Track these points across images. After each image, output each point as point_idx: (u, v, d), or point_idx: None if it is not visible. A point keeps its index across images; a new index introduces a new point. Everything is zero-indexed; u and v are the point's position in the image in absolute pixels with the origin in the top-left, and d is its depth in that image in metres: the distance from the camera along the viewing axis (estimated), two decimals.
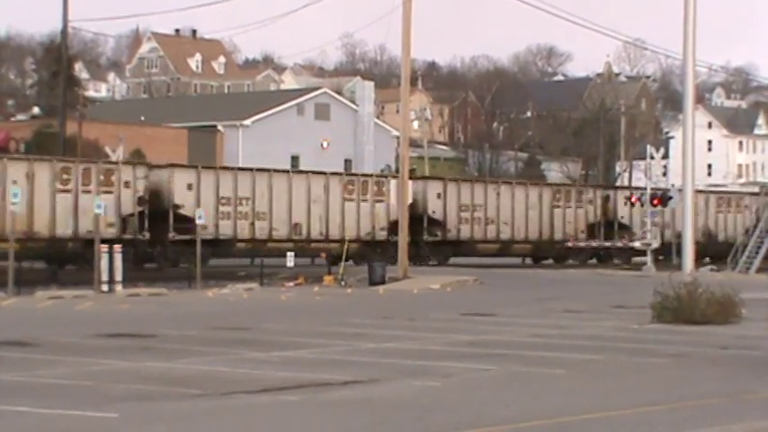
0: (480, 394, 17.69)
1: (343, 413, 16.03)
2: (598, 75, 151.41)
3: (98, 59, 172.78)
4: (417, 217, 55.04)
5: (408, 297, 39.69)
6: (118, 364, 20.45)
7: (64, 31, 67.58)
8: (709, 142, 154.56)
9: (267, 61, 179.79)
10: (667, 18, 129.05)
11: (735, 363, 21.46)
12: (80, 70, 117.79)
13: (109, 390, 17.50)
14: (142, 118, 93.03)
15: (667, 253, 61.01)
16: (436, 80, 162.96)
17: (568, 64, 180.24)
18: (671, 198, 59.23)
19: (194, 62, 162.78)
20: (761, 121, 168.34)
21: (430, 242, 57.01)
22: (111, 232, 45.46)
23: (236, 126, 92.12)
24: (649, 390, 18.15)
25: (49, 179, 45.93)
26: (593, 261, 63.94)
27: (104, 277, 38.84)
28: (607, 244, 64.39)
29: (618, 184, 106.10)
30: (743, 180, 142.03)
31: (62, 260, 46.93)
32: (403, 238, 46.52)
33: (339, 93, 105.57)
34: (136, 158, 65.86)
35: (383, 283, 43.58)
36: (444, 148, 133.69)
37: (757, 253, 57.18)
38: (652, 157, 68.76)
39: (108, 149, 69.72)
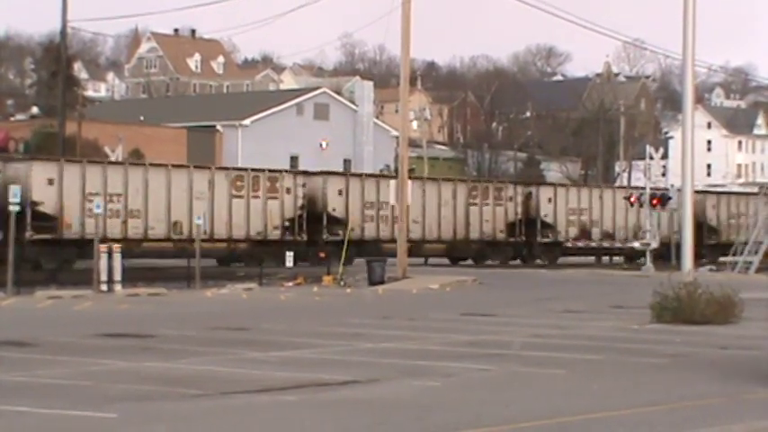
0: (480, 394, 17.68)
1: (342, 413, 16.01)
2: (597, 75, 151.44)
3: (97, 59, 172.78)
4: (317, 215, 52.79)
5: (408, 297, 39.69)
6: (117, 364, 20.44)
7: (63, 31, 67.55)
8: (709, 142, 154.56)
9: (266, 61, 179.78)
10: (666, 18, 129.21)
11: (734, 363, 21.45)
12: (79, 70, 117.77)
13: (108, 390, 17.49)
14: (141, 118, 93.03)
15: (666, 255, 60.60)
16: (435, 80, 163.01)
17: (568, 64, 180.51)
18: (670, 198, 59.19)
19: (193, 62, 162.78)
20: (760, 121, 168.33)
21: (330, 242, 51.94)
22: None
23: (235, 126, 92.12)
24: (649, 390, 18.14)
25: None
26: (527, 261, 62.31)
27: (103, 277, 38.83)
28: (618, 245, 64.06)
29: (617, 183, 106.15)
30: (742, 180, 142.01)
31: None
32: (402, 239, 46.54)
33: (338, 93, 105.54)
34: (135, 158, 65.86)
35: (382, 282, 43.59)
36: (444, 148, 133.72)
37: (756, 252, 57.16)
38: (651, 158, 68.82)
39: (107, 149, 69.75)
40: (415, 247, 55.32)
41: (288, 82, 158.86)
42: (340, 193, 54.48)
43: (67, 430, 14.73)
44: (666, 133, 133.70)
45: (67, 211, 45.45)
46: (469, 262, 60.79)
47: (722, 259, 61.65)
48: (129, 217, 47.17)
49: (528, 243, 62.45)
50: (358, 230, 53.95)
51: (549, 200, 63.23)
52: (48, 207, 45.08)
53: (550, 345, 24.05)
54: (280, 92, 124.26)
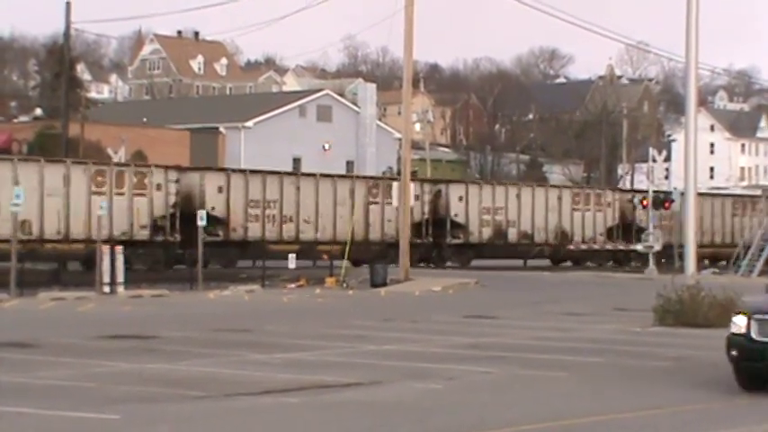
0: (482, 397, 17.69)
1: (344, 415, 16.03)
2: (600, 77, 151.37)
3: (100, 61, 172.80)
4: (193, 214, 46.30)
5: (410, 299, 39.68)
6: (120, 365, 20.45)
7: (66, 33, 67.65)
8: (712, 145, 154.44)
9: (269, 63, 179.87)
10: (670, 21, 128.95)
11: None
12: (82, 72, 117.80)
13: (111, 391, 17.50)
14: (144, 120, 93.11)
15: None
16: (438, 82, 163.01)
17: (571, 66, 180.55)
18: (673, 201, 59.20)
19: (196, 64, 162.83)
20: (763, 123, 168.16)
21: (209, 243, 46.86)
22: None
23: (237, 128, 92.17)
24: (652, 393, 18.14)
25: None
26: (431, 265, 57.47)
27: (106, 279, 38.83)
28: (621, 247, 62.88)
29: (621, 186, 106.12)
30: (745, 183, 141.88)
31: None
32: (404, 240, 46.54)
33: (341, 94, 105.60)
34: (137, 160, 65.89)
35: (385, 284, 43.56)
36: (446, 150, 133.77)
37: (760, 256, 57.13)
38: (654, 160, 68.80)
39: (110, 151, 69.80)
40: (308, 249, 51.70)
41: (290, 84, 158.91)
42: (220, 190, 50.15)
43: None
44: (669, 136, 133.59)
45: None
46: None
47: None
48: None
49: (437, 244, 57.95)
50: (241, 231, 50.29)
51: (461, 198, 58.93)
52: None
53: (552, 347, 24.06)
54: (282, 94, 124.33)
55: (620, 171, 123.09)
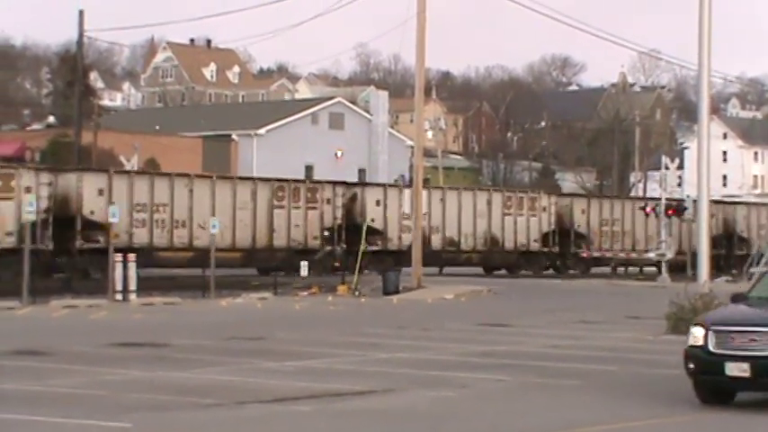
0: (495, 405, 17.65)
1: (357, 423, 16.00)
2: (613, 85, 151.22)
3: (113, 69, 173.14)
4: (69, 218, 44.32)
5: (422, 307, 39.64)
6: (132, 373, 20.45)
7: (79, 41, 67.77)
8: (725, 153, 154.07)
9: (281, 71, 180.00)
10: (682, 28, 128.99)
11: None
12: (95, 80, 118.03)
13: (123, 399, 17.49)
14: (157, 127, 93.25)
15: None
16: (450, 90, 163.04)
17: (583, 74, 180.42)
18: (686, 209, 59.04)
19: (209, 72, 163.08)
20: None
21: (86, 250, 44.31)
22: None
23: (250, 135, 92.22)
24: (664, 402, 18.08)
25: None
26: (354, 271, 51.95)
27: (118, 286, 38.87)
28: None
29: (633, 194, 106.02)
30: (758, 191, 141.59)
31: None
32: (417, 247, 46.54)
33: (353, 102, 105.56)
34: (151, 168, 65.91)
35: (397, 292, 43.55)
36: (458, 157, 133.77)
37: None
38: (667, 168, 68.48)
39: (123, 159, 69.91)
40: (202, 256, 45.42)
41: (303, 91, 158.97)
42: (101, 193, 45.95)
43: None
44: (682, 144, 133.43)
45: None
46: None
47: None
48: None
49: (349, 251, 51.99)
50: (125, 237, 45.93)
51: (378, 203, 54.75)
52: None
53: (565, 355, 24.01)
54: (295, 101, 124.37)
55: (632, 179, 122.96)
